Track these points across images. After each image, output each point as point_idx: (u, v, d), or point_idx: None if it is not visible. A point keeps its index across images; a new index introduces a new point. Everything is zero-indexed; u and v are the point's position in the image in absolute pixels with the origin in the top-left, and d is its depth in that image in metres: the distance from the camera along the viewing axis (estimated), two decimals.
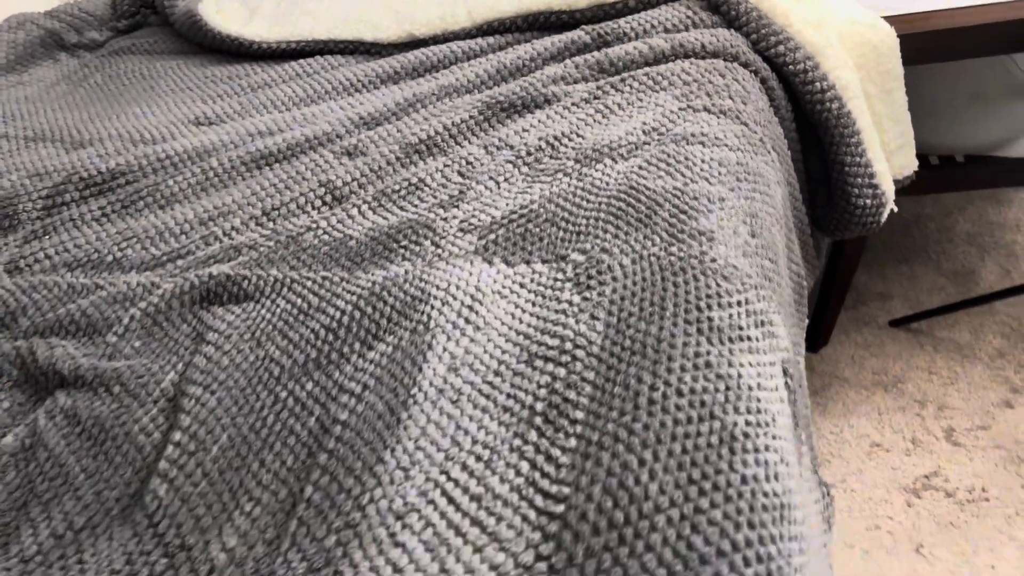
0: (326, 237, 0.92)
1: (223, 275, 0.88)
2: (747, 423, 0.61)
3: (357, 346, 0.75)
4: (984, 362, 1.54)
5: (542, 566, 0.53)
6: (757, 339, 0.70)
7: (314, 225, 0.94)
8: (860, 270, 1.79)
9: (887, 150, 1.23)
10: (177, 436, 0.69)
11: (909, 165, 1.28)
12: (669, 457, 0.58)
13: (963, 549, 1.25)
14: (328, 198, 0.99)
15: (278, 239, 0.94)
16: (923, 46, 1.24)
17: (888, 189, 1.18)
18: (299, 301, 0.83)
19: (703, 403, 0.62)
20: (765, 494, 0.57)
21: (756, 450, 0.60)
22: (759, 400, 0.64)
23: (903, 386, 1.52)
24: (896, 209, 1.22)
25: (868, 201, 1.16)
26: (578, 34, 1.15)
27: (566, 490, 0.57)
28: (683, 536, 0.53)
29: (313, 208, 0.98)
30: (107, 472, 0.69)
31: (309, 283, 0.85)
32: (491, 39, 1.23)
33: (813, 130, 1.19)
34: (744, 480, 0.57)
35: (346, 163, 1.04)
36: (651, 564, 0.52)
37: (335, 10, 1.42)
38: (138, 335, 0.84)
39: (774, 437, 0.62)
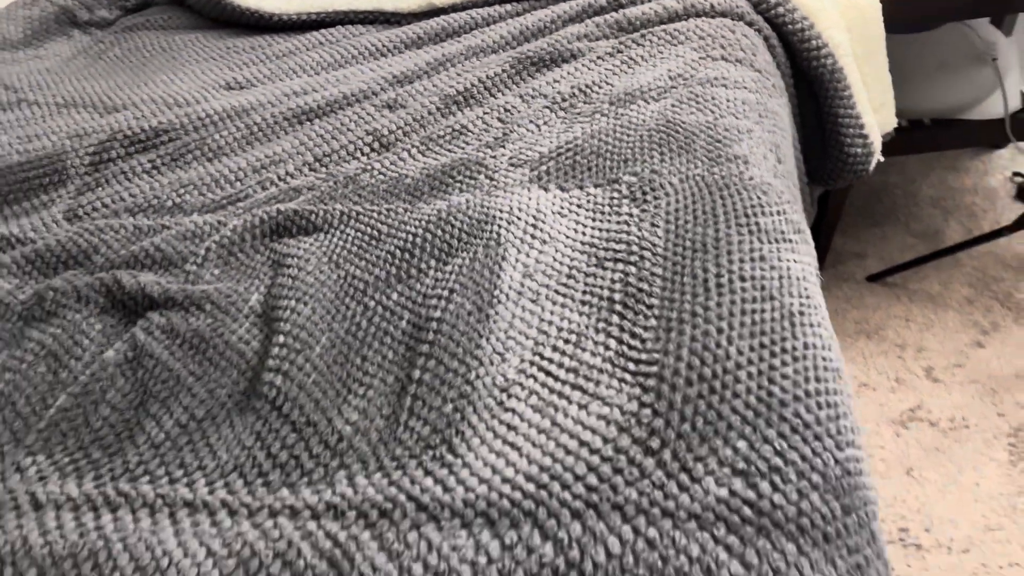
0: (381, 177, 0.99)
1: (290, 210, 0.93)
2: (801, 304, 0.70)
3: (433, 262, 0.82)
4: (955, 308, 1.66)
5: (646, 412, 0.60)
6: (797, 242, 0.78)
7: (368, 167, 1.01)
8: (836, 234, 1.91)
9: (872, 107, 1.34)
10: (280, 339, 0.75)
11: (890, 122, 1.39)
12: (742, 327, 0.66)
13: (949, 470, 1.36)
14: (376, 145, 1.05)
15: (335, 180, 1.00)
16: (897, 12, 1.35)
17: (876, 140, 1.29)
18: (368, 230, 0.89)
19: (763, 287, 0.70)
20: (824, 359, 0.66)
21: (811, 325, 0.68)
22: (806, 288, 0.72)
23: (884, 333, 1.63)
24: (883, 159, 1.33)
25: (859, 150, 1.26)
26: None
27: (656, 355, 0.65)
28: (763, 386, 0.61)
29: (363, 154, 1.05)
30: (215, 374, 0.74)
31: (375, 214, 0.91)
32: (509, 6, 1.31)
33: (807, 88, 1.28)
34: (806, 347, 0.66)
35: (388, 115, 1.10)
36: (740, 407, 0.60)
37: None
38: (215, 264, 0.89)
39: (823, 318, 0.71)
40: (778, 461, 0.56)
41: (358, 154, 1.05)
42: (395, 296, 0.79)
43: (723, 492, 0.55)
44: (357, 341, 0.75)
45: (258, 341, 0.77)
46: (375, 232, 0.88)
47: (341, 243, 0.88)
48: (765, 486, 0.55)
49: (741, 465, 0.56)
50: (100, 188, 1.08)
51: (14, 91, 1.35)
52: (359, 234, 0.89)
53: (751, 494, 0.54)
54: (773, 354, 0.64)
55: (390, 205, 0.92)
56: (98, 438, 0.70)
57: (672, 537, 0.52)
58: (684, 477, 0.56)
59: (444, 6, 1.35)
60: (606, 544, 0.53)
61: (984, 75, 1.62)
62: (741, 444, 0.57)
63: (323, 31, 1.40)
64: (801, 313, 0.69)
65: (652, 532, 0.53)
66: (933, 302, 1.68)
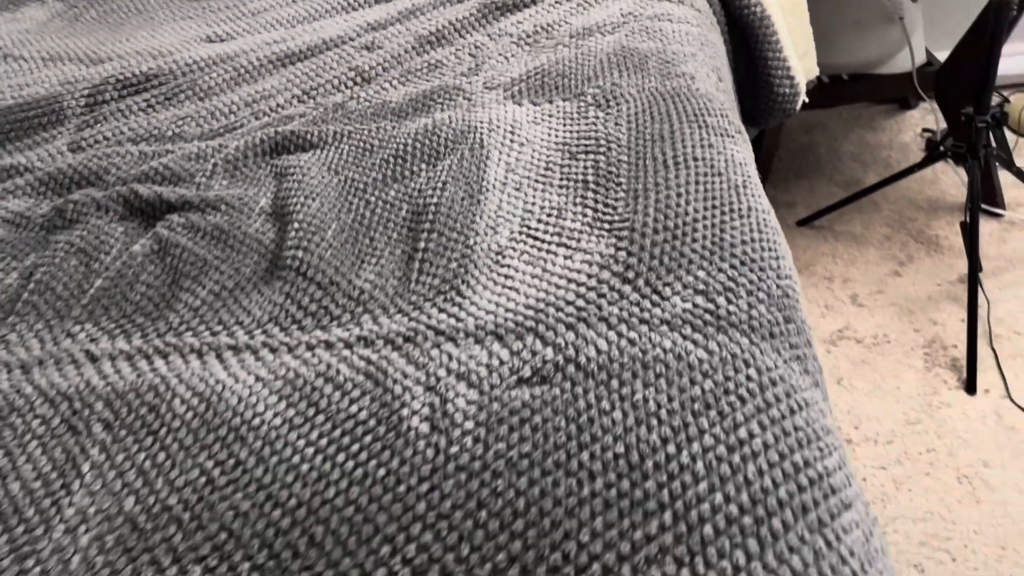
0: (367, 104, 1.08)
1: (286, 131, 1.03)
2: (744, 180, 0.82)
3: (423, 165, 0.92)
4: (875, 245, 1.83)
5: (621, 254, 0.72)
6: (737, 139, 0.91)
7: (354, 96, 1.11)
8: (768, 186, 2.07)
9: (797, 54, 1.49)
10: (295, 226, 0.84)
11: (813, 70, 1.54)
12: (696, 193, 0.78)
13: (873, 378, 1.51)
14: (358, 79, 1.15)
15: (324, 108, 1.09)
16: None
17: (801, 82, 1.44)
18: (361, 144, 0.99)
19: (712, 166, 0.82)
20: (764, 219, 0.78)
21: (754, 195, 0.81)
22: (747, 170, 0.85)
23: (813, 268, 1.79)
24: (807, 100, 1.48)
25: (787, 90, 1.41)
26: None
27: (627, 215, 0.77)
28: (716, 234, 0.74)
29: (346, 87, 1.14)
30: (237, 257, 0.84)
31: (365, 132, 1.01)
32: None
33: (740, 38, 1.42)
34: (751, 208, 0.78)
35: (366, 55, 1.20)
36: (698, 248, 0.72)
37: None
38: (223, 177, 0.98)
39: (763, 194, 0.84)
40: (731, 284, 0.69)
41: (342, 87, 1.14)
42: (392, 192, 0.89)
43: (688, 305, 0.67)
44: (363, 227, 0.85)
45: (273, 232, 0.87)
46: (367, 145, 0.98)
47: (337, 156, 0.98)
48: (721, 300, 0.67)
49: (701, 287, 0.68)
50: (99, 124, 1.16)
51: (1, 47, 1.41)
52: (352, 148, 0.98)
53: (710, 305, 0.66)
54: (723, 212, 0.76)
55: (378, 124, 1.02)
56: (138, 308, 0.78)
57: (649, 337, 0.64)
58: (655, 297, 0.68)
59: None
60: (596, 344, 0.64)
61: (893, 33, 1.79)
62: (700, 273, 0.69)
63: None
64: (744, 186, 0.81)
65: (632, 334, 0.65)
66: (856, 240, 1.84)
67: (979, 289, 1.53)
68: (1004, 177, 1.89)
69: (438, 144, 0.94)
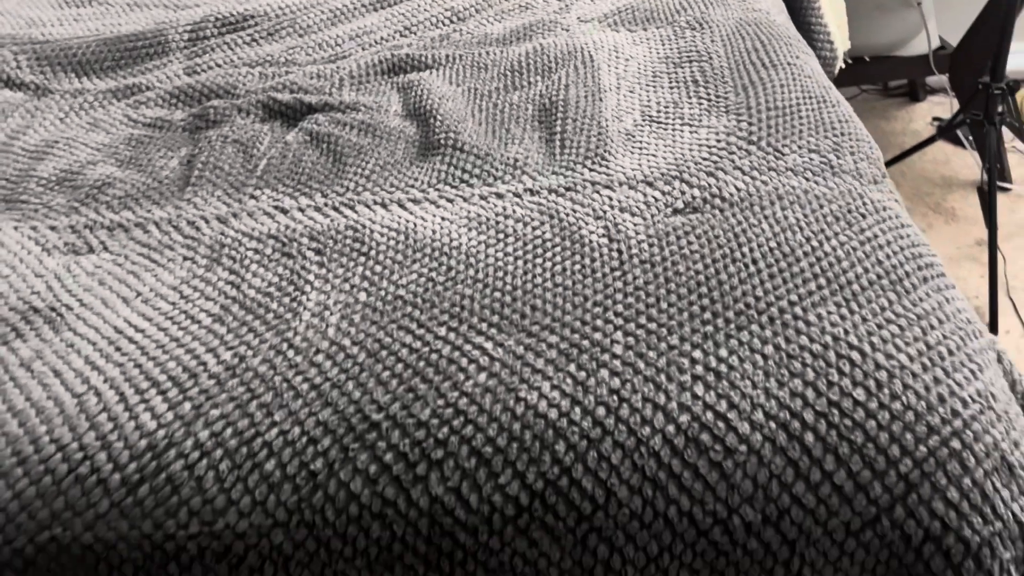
0: (469, 36, 1.27)
1: (401, 54, 1.21)
2: (827, 84, 1.02)
3: (538, 77, 1.11)
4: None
5: (743, 126, 0.91)
6: (811, 57, 1.11)
7: (454, 31, 1.29)
8: None
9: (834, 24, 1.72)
10: (438, 117, 1.02)
11: (846, 42, 1.77)
12: (794, 87, 0.98)
13: None
14: (455, 18, 1.34)
15: (428, 40, 1.28)
16: None
17: (839, 47, 1.66)
18: (473, 63, 1.17)
19: (802, 71, 1.02)
20: (852, 115, 0.98)
21: (839, 97, 1.01)
22: (826, 79, 1.05)
23: None
24: (844, 65, 1.70)
25: (827, 53, 1.63)
26: None
27: (740, 100, 0.96)
28: (817, 116, 0.93)
29: (444, 24, 1.33)
30: (388, 143, 1.01)
31: (475, 55, 1.19)
32: None
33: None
34: (839, 101, 0.98)
35: None
36: (805, 123, 0.91)
37: None
38: (350, 90, 1.16)
39: (843, 99, 1.04)
40: (836, 147, 0.88)
41: (441, 25, 1.33)
42: (515, 97, 1.08)
43: (805, 159, 0.86)
44: (497, 122, 1.03)
45: (414, 127, 1.04)
46: (480, 64, 1.17)
47: (453, 73, 1.16)
48: (831, 156, 0.86)
49: (813, 147, 0.87)
50: (207, 55, 1.33)
51: None
52: (466, 67, 1.17)
53: (823, 160, 0.86)
54: (819, 102, 0.96)
55: (485, 49, 1.21)
56: (311, 177, 0.95)
57: (778, 179, 0.83)
58: (776, 154, 0.87)
59: None
60: (735, 184, 0.83)
61: (911, 18, 2.04)
62: (810, 139, 0.89)
63: None
64: (829, 88, 1.01)
65: (764, 178, 0.83)
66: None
67: (996, 247, 1.75)
68: (1011, 157, 2.13)
69: (549, 61, 1.13)
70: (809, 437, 0.60)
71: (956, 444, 0.60)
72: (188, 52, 1.33)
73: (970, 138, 2.11)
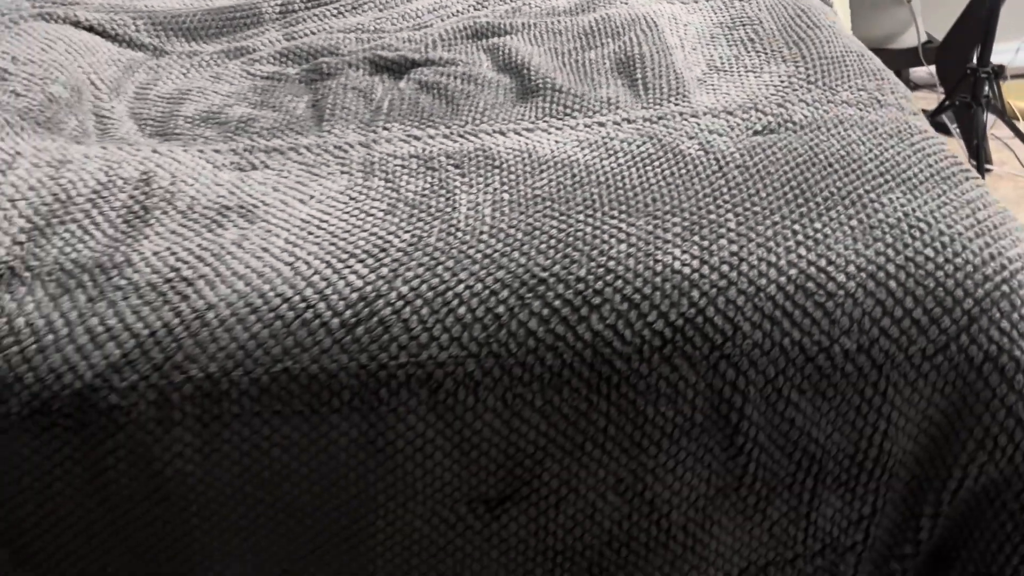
0: (538, 8, 1.42)
1: (482, 22, 1.35)
2: (860, 43, 1.19)
3: (608, 39, 1.26)
4: None
5: (800, 70, 1.07)
6: (839, 22, 1.28)
7: (524, 5, 1.44)
8: None
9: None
10: (531, 69, 1.16)
11: (848, 26, 1.95)
12: (838, 42, 1.14)
13: None
14: None
15: (500, 11, 1.43)
16: None
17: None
18: (547, 29, 1.32)
19: (840, 31, 1.19)
20: (886, 67, 1.14)
21: (870, 56, 1.17)
22: (855, 39, 1.22)
23: None
24: None
25: None
26: None
27: (794, 53, 1.12)
28: (861, 64, 1.09)
29: (512, 0, 1.48)
30: (490, 89, 1.15)
31: (547, 23, 1.34)
32: None
33: None
34: (873, 56, 1.14)
35: None
36: (852, 70, 1.07)
37: None
38: (441, 51, 1.30)
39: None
40: (881, 87, 1.04)
41: (509, 0, 1.48)
42: (592, 55, 1.23)
43: (856, 96, 1.01)
44: (582, 73, 1.17)
45: (508, 78, 1.18)
46: (554, 30, 1.31)
47: (532, 37, 1.31)
48: (877, 94, 1.02)
49: (862, 87, 1.03)
50: (300, 24, 1.46)
51: None
52: (541, 32, 1.31)
53: (872, 96, 1.01)
54: (860, 55, 1.12)
55: (555, 19, 1.36)
56: (430, 115, 1.09)
57: (836, 110, 0.98)
58: (831, 92, 1.02)
59: None
60: (801, 113, 0.98)
61: (901, 14, 2.23)
62: (858, 81, 1.05)
63: None
64: (862, 46, 1.18)
65: (823, 109, 0.99)
66: None
67: None
68: (991, 144, 2.32)
69: (615, 26, 1.28)
70: (892, 284, 0.75)
71: (1006, 288, 0.75)
72: (282, 22, 1.47)
73: (955, 125, 2.30)
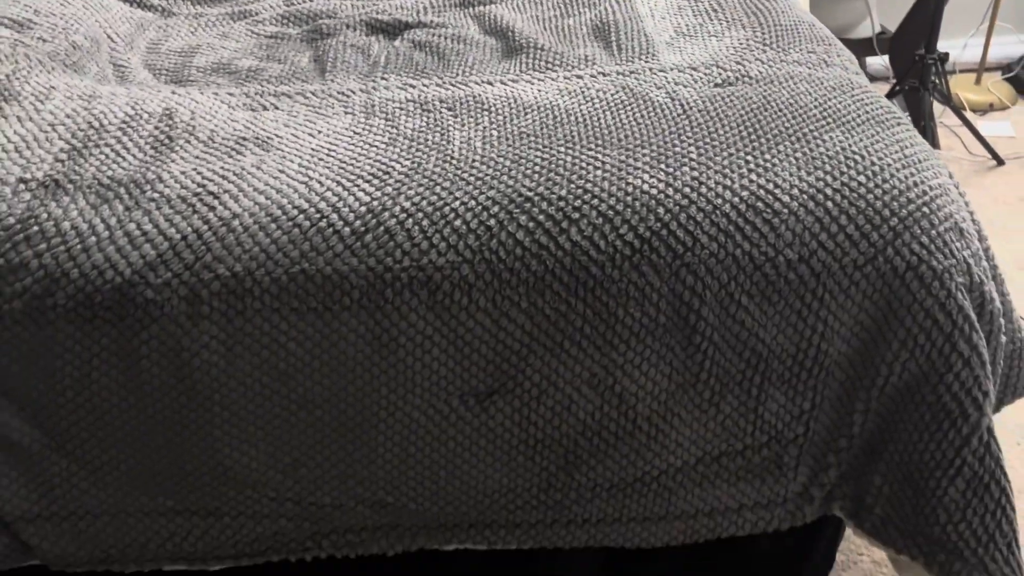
0: None
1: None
2: (811, 16, 1.31)
3: (585, 9, 1.36)
4: None
5: (756, 34, 1.19)
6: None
7: None
8: None
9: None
10: (514, 31, 1.27)
11: None
12: (789, 13, 1.26)
13: None
14: None
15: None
16: None
17: None
18: (532, 0, 1.42)
19: (793, 4, 1.30)
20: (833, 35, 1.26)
21: (820, 22, 1.29)
22: (807, 12, 1.33)
23: None
24: None
25: None
26: None
27: (751, 22, 1.23)
28: (812, 30, 1.21)
29: None
30: (477, 48, 1.25)
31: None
32: None
33: None
34: (822, 24, 1.26)
35: None
36: (803, 35, 1.19)
37: None
38: (430, 17, 1.40)
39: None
40: (828, 51, 1.15)
41: None
42: (570, 21, 1.33)
43: (806, 57, 1.13)
44: (562, 36, 1.28)
45: (494, 39, 1.29)
46: (534, 1, 1.42)
47: (514, 6, 1.41)
48: (825, 56, 1.14)
49: (811, 50, 1.15)
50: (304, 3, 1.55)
51: None
52: (523, 3, 1.42)
53: (820, 58, 1.13)
54: (810, 24, 1.24)
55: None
56: (423, 68, 1.19)
57: (788, 68, 1.10)
58: (783, 54, 1.14)
59: None
60: (756, 68, 1.09)
61: (858, 6, 2.36)
62: (808, 45, 1.16)
63: None
64: (813, 17, 1.29)
65: (777, 66, 1.10)
66: None
67: None
68: (938, 130, 2.47)
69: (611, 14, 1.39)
70: (829, 204, 0.86)
71: (926, 210, 0.87)
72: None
73: (906, 112, 2.44)
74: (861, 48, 2.40)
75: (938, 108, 2.36)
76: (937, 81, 2.08)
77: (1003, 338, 0.92)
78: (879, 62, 2.54)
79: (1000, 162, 2.38)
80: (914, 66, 2.08)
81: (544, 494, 0.95)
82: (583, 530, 0.97)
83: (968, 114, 2.39)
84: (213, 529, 0.97)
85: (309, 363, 0.87)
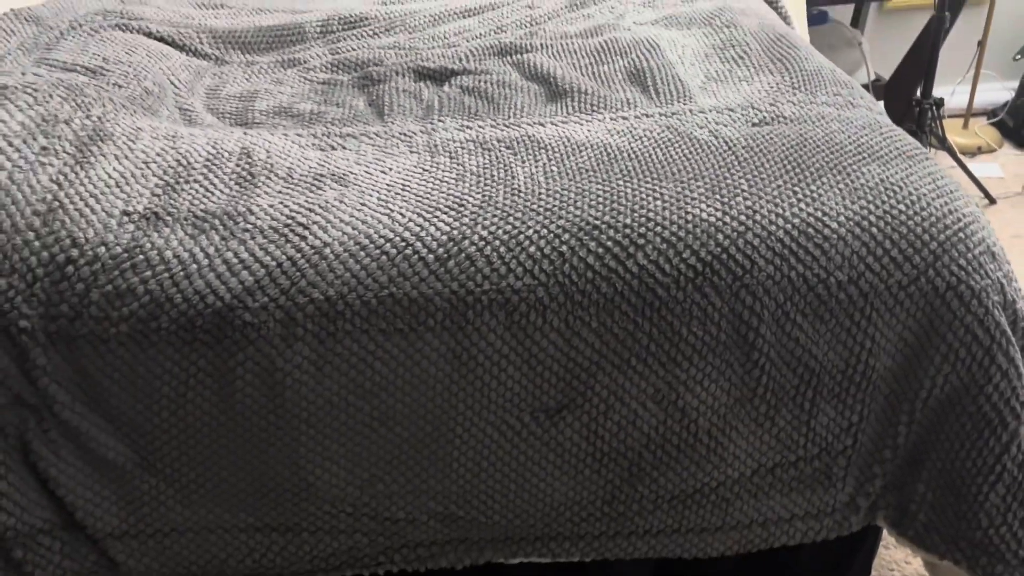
0: (551, 33, 1.60)
1: (506, 42, 1.53)
2: (831, 63, 1.39)
3: (617, 57, 1.44)
4: None
5: (786, 79, 1.27)
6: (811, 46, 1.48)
7: (539, 30, 1.63)
8: None
9: None
10: (555, 77, 1.34)
11: None
12: (813, 57, 1.34)
13: None
14: (534, 22, 1.67)
15: (518, 35, 1.61)
16: None
17: None
18: (563, 48, 1.50)
19: (815, 54, 1.39)
20: (854, 80, 1.34)
21: (839, 69, 1.37)
22: (825, 58, 1.42)
23: None
24: None
25: None
26: None
27: (779, 68, 1.31)
28: (836, 75, 1.29)
29: (528, 26, 1.66)
30: (522, 93, 1.32)
31: (561, 43, 1.52)
32: None
33: None
34: (840, 70, 1.34)
35: (530, 11, 1.72)
36: (827, 80, 1.27)
37: None
38: (473, 64, 1.47)
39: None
40: (852, 92, 1.23)
41: (525, 25, 1.66)
42: (605, 68, 1.41)
43: (833, 99, 1.21)
44: (601, 82, 1.35)
45: (537, 85, 1.36)
46: (569, 49, 1.49)
47: (550, 55, 1.48)
48: (850, 98, 1.22)
49: (836, 92, 1.23)
50: (341, 42, 1.63)
51: (210, 1, 1.85)
52: (559, 50, 1.49)
53: (847, 100, 1.21)
54: (831, 69, 1.32)
55: (568, 40, 1.54)
56: (476, 112, 1.26)
57: (818, 109, 1.17)
58: (812, 96, 1.21)
59: None
60: (790, 109, 1.17)
61: (854, 55, 2.47)
62: (833, 88, 1.24)
63: None
64: (833, 63, 1.38)
65: (808, 107, 1.18)
66: None
67: None
68: None
69: (622, 47, 1.47)
70: (874, 230, 0.93)
71: (961, 235, 0.94)
72: (324, 40, 1.63)
73: None
74: None
75: (931, 151, 2.46)
76: (932, 125, 2.18)
77: None
78: None
79: (992, 201, 2.48)
80: (910, 111, 2.18)
81: (608, 506, 1.00)
82: (644, 541, 1.02)
83: (960, 156, 2.49)
84: (291, 545, 1.00)
85: (393, 381, 0.92)
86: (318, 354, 0.90)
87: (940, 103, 2.19)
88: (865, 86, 2.49)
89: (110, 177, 0.96)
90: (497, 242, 0.92)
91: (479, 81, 1.36)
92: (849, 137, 1.08)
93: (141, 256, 0.90)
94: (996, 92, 2.96)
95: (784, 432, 0.97)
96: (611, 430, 0.95)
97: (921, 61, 2.19)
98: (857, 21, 2.68)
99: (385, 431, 0.95)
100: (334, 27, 1.68)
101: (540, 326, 0.91)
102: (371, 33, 1.66)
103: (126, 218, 0.92)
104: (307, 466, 0.95)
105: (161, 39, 1.50)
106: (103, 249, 0.89)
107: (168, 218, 0.94)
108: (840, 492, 1.01)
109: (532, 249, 0.92)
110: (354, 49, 1.59)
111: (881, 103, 2.54)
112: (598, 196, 0.99)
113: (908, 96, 2.26)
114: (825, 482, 1.00)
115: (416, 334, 0.90)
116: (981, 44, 2.68)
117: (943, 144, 2.31)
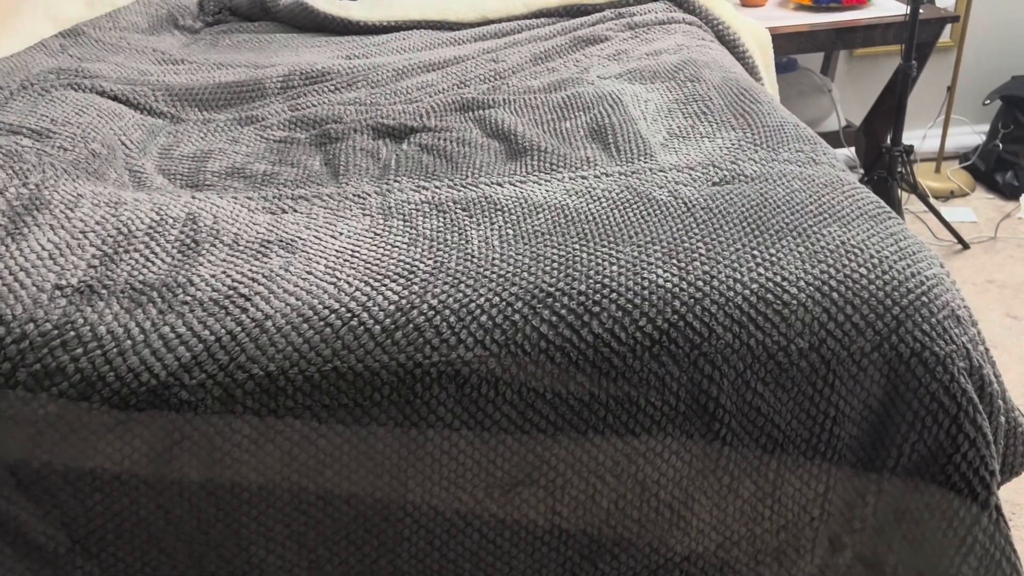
0: (515, 87, 1.60)
1: (468, 97, 1.52)
2: (794, 117, 1.39)
3: (579, 112, 1.44)
4: None
5: (747, 135, 1.26)
6: (775, 100, 1.48)
7: (502, 85, 1.62)
8: None
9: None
10: (517, 133, 1.33)
11: None
12: (775, 113, 1.33)
13: None
14: (498, 77, 1.67)
15: (481, 89, 1.60)
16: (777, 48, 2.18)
17: None
18: (526, 103, 1.49)
19: (777, 106, 1.38)
20: (816, 135, 1.34)
21: (803, 123, 1.37)
22: (789, 112, 1.42)
23: None
24: None
25: None
26: (607, 13, 1.94)
27: (739, 124, 1.31)
28: (798, 131, 1.29)
29: (492, 80, 1.65)
30: (482, 151, 1.31)
31: (525, 99, 1.52)
32: (541, 19, 2.00)
33: None
34: (804, 125, 1.34)
35: (495, 64, 1.72)
36: (790, 135, 1.26)
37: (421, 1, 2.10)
38: (435, 121, 1.46)
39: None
40: (815, 149, 1.23)
41: (488, 80, 1.66)
42: (567, 124, 1.40)
43: (795, 156, 1.20)
44: (562, 139, 1.34)
45: (498, 142, 1.35)
46: (532, 104, 1.49)
47: (513, 111, 1.48)
48: (812, 155, 1.21)
49: (798, 149, 1.22)
50: (301, 98, 1.61)
51: (170, 56, 1.84)
52: (521, 106, 1.49)
53: (809, 156, 1.20)
54: (795, 124, 1.31)
55: (532, 95, 1.54)
56: (433, 171, 1.24)
57: (780, 167, 1.16)
58: (774, 153, 1.21)
59: (495, 19, 2.01)
60: (751, 167, 1.16)
61: (825, 102, 2.49)
62: (795, 144, 1.23)
63: (402, 32, 2.01)
64: (797, 118, 1.38)
65: (770, 165, 1.17)
66: None
67: None
68: (905, 216, 2.57)
69: (585, 102, 1.46)
70: (835, 295, 0.91)
71: (924, 299, 0.92)
72: (283, 96, 1.62)
73: None
74: (828, 141, 2.52)
75: (904, 196, 2.47)
76: (903, 171, 2.19)
77: (1002, 418, 0.96)
78: (846, 153, 2.67)
79: (965, 246, 2.48)
80: (881, 158, 2.19)
81: None
82: None
83: (932, 201, 2.50)
84: None
85: (338, 459, 0.88)
86: (259, 432, 0.87)
87: (910, 150, 2.20)
88: (836, 133, 2.51)
89: (43, 249, 0.93)
90: (447, 311, 0.90)
91: (438, 139, 1.35)
92: (810, 196, 1.07)
93: (72, 332, 0.86)
94: (967, 136, 2.99)
95: (748, 504, 0.94)
96: (569, 505, 0.92)
97: (890, 108, 2.20)
98: (827, 68, 2.71)
99: (332, 510, 0.91)
100: (295, 82, 1.67)
101: (492, 398, 0.88)
102: (332, 88, 1.65)
103: (58, 292, 0.89)
104: (251, 548, 0.91)
105: (115, 97, 1.48)
106: (31, 326, 0.86)
107: (103, 291, 0.91)
108: (809, 564, 0.97)
109: (483, 318, 0.89)
110: (314, 105, 1.57)
111: (852, 150, 2.56)
112: (553, 261, 0.96)
113: (878, 143, 2.27)
114: (793, 554, 0.97)
115: (362, 409, 0.87)
116: (951, 89, 2.72)
117: (914, 190, 2.32)
